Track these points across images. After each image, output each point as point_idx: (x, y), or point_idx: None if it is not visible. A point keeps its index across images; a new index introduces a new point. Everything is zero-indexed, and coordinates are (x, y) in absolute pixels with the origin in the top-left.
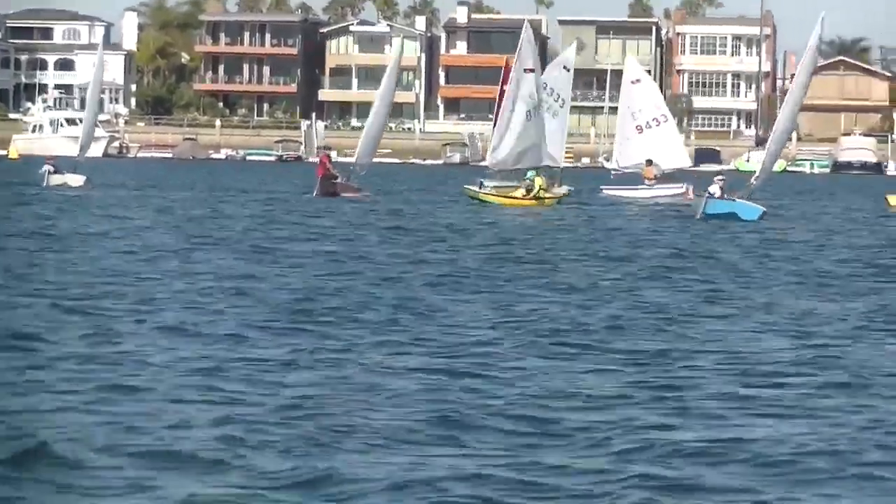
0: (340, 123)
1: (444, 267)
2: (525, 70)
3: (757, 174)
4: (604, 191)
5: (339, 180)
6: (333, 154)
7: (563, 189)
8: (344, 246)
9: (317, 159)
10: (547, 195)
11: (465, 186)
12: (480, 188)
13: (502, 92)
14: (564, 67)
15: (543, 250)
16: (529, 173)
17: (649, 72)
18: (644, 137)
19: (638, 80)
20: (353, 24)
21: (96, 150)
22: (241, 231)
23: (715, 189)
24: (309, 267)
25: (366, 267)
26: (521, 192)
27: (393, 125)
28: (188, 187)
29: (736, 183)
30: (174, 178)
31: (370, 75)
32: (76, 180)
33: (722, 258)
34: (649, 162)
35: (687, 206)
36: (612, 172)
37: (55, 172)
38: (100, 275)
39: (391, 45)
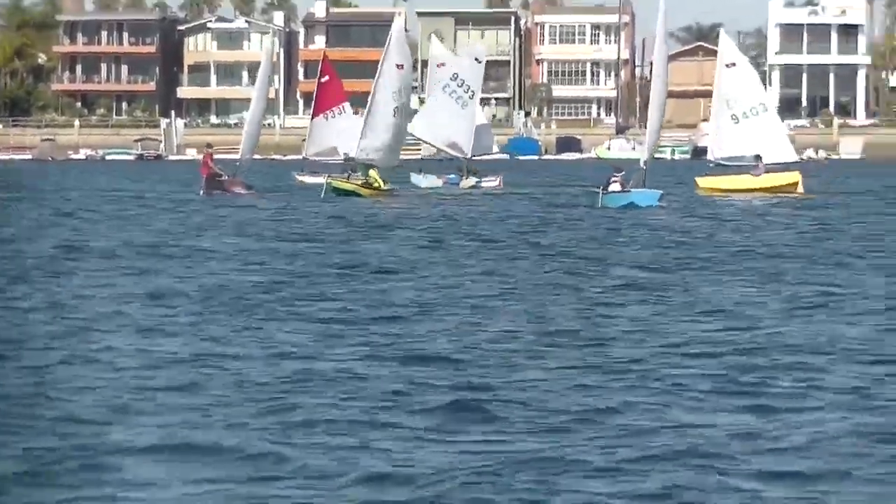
0: (200, 121)
1: None
2: (397, 66)
3: (645, 160)
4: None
5: (224, 177)
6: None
7: (472, 180)
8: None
9: (180, 156)
10: (383, 186)
11: (333, 177)
12: (349, 178)
13: (319, 85)
14: (476, 59)
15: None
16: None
17: (509, 62)
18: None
19: (443, 65)
20: (210, 21)
21: None
22: None
23: (615, 187)
24: None
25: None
26: (360, 183)
27: None
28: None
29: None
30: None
31: (229, 72)
32: None
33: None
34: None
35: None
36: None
37: None
38: None
39: (249, 41)
